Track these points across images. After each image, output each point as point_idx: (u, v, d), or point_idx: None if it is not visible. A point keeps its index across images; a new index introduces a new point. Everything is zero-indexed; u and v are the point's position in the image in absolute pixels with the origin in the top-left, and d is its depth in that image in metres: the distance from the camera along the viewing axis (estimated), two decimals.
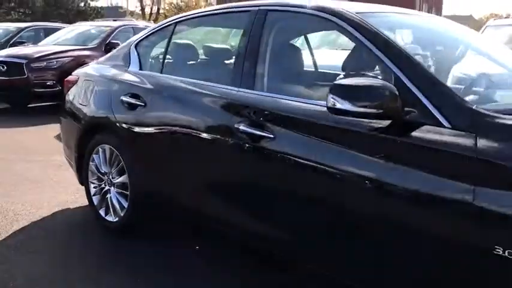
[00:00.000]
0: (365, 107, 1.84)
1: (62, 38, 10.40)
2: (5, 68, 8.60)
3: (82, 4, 31.01)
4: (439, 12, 49.19)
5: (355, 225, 2.03)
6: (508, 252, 1.58)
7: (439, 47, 2.65)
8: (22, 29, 11.92)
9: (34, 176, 4.58)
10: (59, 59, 8.86)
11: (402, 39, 2.36)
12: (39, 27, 12.33)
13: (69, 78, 3.82)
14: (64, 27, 11.80)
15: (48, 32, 11.64)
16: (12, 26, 12.57)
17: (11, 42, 11.24)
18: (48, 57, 8.88)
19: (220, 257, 3.01)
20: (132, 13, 45.35)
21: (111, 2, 58.36)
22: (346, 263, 2.12)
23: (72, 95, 3.67)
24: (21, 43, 11.12)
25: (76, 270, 2.86)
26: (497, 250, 1.60)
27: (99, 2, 35.48)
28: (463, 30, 2.86)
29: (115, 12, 43.31)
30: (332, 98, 1.88)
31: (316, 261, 2.26)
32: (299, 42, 2.98)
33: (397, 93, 1.84)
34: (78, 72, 3.81)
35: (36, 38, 11.81)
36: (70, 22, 16.28)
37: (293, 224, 2.28)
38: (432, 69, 2.34)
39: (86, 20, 23.13)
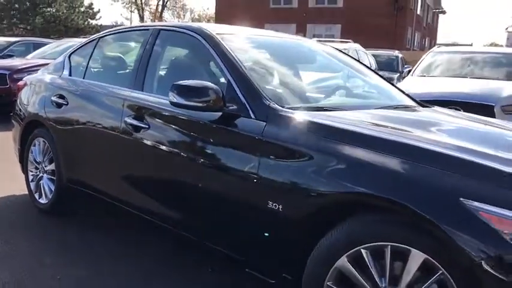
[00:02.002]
0: (194, 101, 2.47)
1: (49, 52, 11.12)
2: None
3: (81, 22, 32.00)
4: (433, 41, 50.17)
5: (187, 191, 2.68)
6: (274, 204, 2.19)
7: (289, 61, 3.30)
8: (12, 43, 12.67)
9: None
10: None
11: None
12: (29, 42, 13.08)
13: (20, 83, 4.48)
14: (51, 43, 12.53)
15: (38, 46, 12.39)
16: (3, 40, 13.32)
17: (0, 55, 11.99)
18: (30, 69, 9.53)
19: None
20: None
21: (116, 21, 59.72)
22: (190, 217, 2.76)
23: (20, 98, 4.32)
24: (10, 56, 11.87)
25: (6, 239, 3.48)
26: (269, 204, 2.22)
27: (102, 20, 36.52)
28: (325, 50, 3.54)
29: None
30: (171, 94, 2.52)
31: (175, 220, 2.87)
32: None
33: (220, 93, 2.47)
34: (26, 78, 4.47)
35: (26, 52, 12.55)
36: None
37: (161, 196, 2.91)
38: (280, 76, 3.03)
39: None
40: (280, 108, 2.41)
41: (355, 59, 3.82)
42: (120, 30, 3.79)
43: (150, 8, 49.58)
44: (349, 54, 8.42)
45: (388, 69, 13.46)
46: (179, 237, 2.90)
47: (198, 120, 2.62)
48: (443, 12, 51.47)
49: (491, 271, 1.66)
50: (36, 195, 4.00)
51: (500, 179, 1.78)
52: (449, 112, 3.21)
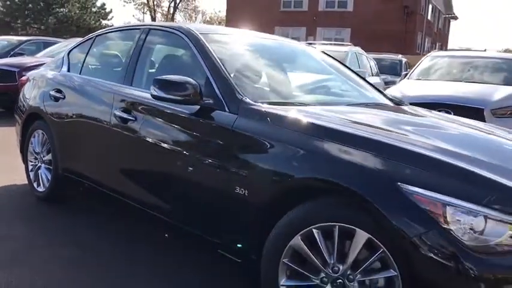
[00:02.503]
0: (173, 95, 2.67)
1: (58, 51, 11.39)
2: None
3: (93, 22, 32.46)
4: (444, 46, 50.10)
5: (167, 178, 2.89)
6: (241, 189, 2.39)
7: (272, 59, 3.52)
8: (23, 42, 13.00)
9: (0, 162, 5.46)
10: None
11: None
12: (39, 41, 13.42)
13: (23, 78, 4.73)
14: (61, 42, 12.86)
15: (48, 45, 12.72)
16: (15, 38, 13.68)
17: (11, 53, 12.34)
18: (38, 67, 9.83)
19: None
20: None
21: (128, 22, 60.34)
22: (168, 203, 2.97)
23: (23, 92, 4.57)
24: (21, 54, 12.21)
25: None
26: (236, 189, 2.42)
27: (114, 21, 36.95)
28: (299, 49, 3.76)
29: None
30: (153, 88, 2.73)
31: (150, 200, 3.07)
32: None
33: (198, 87, 2.67)
34: (29, 73, 4.72)
35: (37, 50, 12.89)
36: None
37: (144, 180, 3.13)
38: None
39: None
40: (252, 102, 2.61)
41: (340, 62, 4.00)
42: (115, 29, 4.04)
43: (162, 10, 50.08)
44: (348, 56, 8.64)
45: (392, 73, 13.65)
46: (171, 227, 3.07)
47: (178, 112, 2.83)
48: (455, 18, 51.24)
49: (422, 248, 1.85)
50: (35, 184, 4.23)
51: (433, 166, 1.97)
52: (417, 110, 3.38)
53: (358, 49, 10.03)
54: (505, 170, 2.10)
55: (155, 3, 48.46)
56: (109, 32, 4.03)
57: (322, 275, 2.11)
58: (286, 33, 34.07)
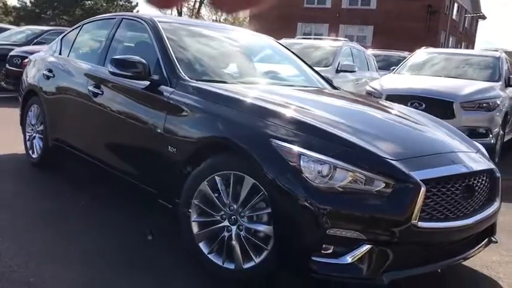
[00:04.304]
0: (126, 71, 3.26)
1: None
2: (20, 61, 10.41)
3: None
4: (470, 46, 49.61)
5: (122, 141, 3.51)
6: (171, 148, 2.98)
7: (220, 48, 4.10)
8: (45, 31, 13.84)
9: (6, 136, 6.15)
10: None
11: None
12: (60, 31, 14.19)
13: (25, 61, 5.41)
14: None
15: None
16: (38, 28, 14.56)
17: (34, 42, 13.21)
18: None
19: None
20: None
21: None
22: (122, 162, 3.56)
23: (25, 72, 5.24)
24: (42, 43, 13.05)
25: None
26: (168, 148, 3.00)
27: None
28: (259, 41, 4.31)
29: None
30: (110, 66, 3.33)
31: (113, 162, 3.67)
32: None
33: (146, 66, 3.25)
34: (31, 56, 5.39)
35: None
36: None
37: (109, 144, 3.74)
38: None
39: None
40: (188, 79, 3.20)
41: (294, 53, 4.53)
42: (97, 18, 4.68)
43: (189, 4, 50.83)
44: (341, 51, 9.10)
45: None
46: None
47: (133, 87, 3.43)
48: (483, 18, 50.56)
49: (284, 190, 2.41)
50: (30, 152, 4.89)
51: (300, 127, 2.52)
52: (344, 93, 3.92)
53: (354, 44, 10.47)
54: (369, 134, 2.63)
55: None
56: (93, 21, 4.67)
57: (222, 212, 2.68)
58: (308, 29, 34.52)
